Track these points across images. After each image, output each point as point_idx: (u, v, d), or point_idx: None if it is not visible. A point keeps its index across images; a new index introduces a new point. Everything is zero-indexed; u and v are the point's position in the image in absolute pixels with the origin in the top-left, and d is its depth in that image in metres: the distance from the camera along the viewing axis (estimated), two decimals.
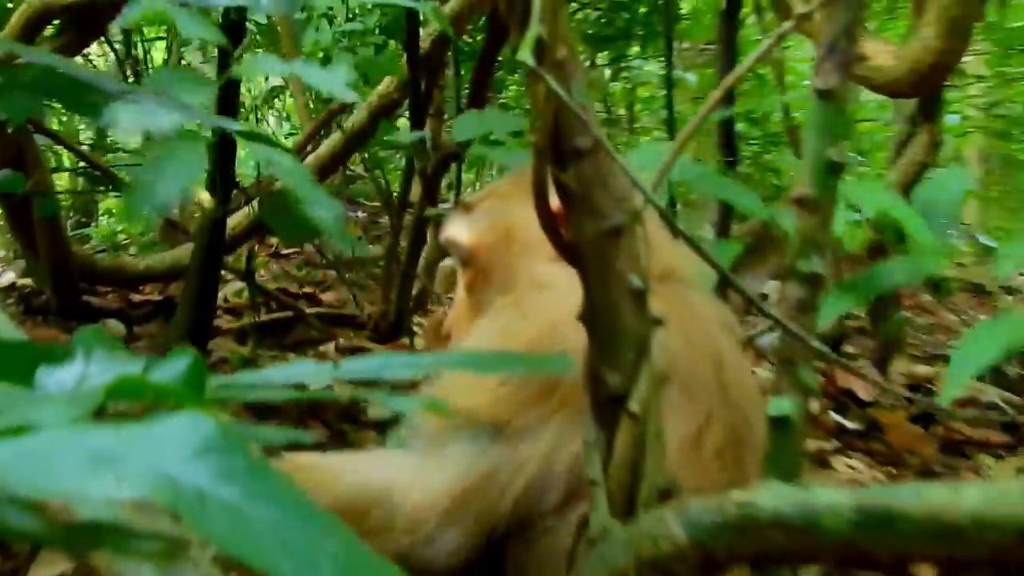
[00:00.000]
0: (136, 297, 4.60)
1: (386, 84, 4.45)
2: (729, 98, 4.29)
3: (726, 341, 1.54)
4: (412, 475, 1.47)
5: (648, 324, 1.14)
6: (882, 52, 3.63)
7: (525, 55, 1.03)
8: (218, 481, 0.63)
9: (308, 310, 4.39)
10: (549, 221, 1.15)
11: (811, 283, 1.20)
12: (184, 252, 4.52)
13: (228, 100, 2.82)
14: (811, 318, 1.21)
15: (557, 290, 1.57)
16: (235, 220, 4.40)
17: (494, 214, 1.82)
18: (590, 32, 6.41)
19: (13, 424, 0.66)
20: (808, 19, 1.25)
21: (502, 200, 1.83)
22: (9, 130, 3.46)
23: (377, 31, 4.72)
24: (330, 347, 4.16)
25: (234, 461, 0.65)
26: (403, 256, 4.11)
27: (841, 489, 1.03)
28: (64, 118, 5.76)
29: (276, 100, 8.12)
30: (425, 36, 4.06)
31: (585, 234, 1.14)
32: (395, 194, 4.61)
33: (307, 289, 5.11)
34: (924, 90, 3.66)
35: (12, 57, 1.69)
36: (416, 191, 4.14)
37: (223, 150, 2.94)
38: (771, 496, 1.04)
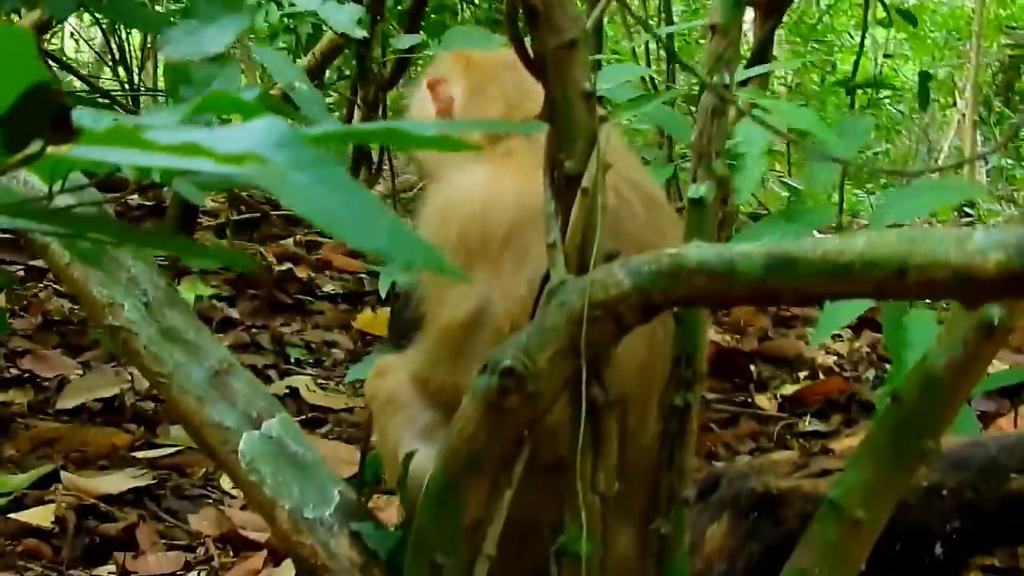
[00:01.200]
0: (133, 201, 4.93)
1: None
2: None
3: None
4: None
5: (596, 120, 1.36)
6: None
7: None
8: (295, 166, 0.81)
9: (272, 212, 4.93)
10: (519, 46, 1.36)
11: (721, 98, 1.43)
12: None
13: None
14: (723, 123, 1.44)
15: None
16: None
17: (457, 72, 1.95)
18: None
19: (128, 125, 0.84)
20: None
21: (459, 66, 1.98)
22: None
23: None
24: (289, 242, 4.82)
25: (306, 153, 0.82)
26: None
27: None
28: None
29: None
30: None
31: (547, 47, 1.34)
32: None
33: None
34: None
35: None
36: None
37: None
38: (696, 250, 1.26)
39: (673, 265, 1.25)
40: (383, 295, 2.70)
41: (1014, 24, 10.87)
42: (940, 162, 9.20)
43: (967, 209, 7.89)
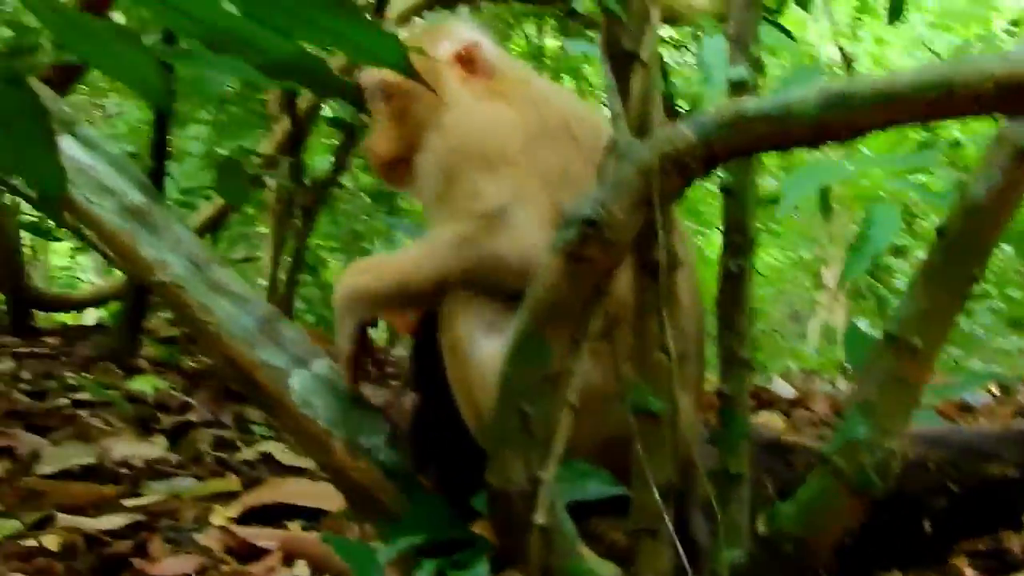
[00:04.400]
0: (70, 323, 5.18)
1: None
2: None
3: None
4: None
5: (647, 3, 1.44)
6: None
7: None
8: None
9: None
10: None
11: None
12: (111, 285, 5.78)
13: None
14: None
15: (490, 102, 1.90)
16: None
17: (482, 39, 2.07)
18: None
19: None
20: None
21: (470, 32, 2.09)
22: None
23: None
24: None
25: None
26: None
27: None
28: None
29: None
30: None
31: None
32: None
33: None
34: None
35: None
36: None
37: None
38: (754, 100, 1.33)
39: (734, 115, 1.32)
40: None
41: None
42: None
43: None
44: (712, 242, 8.85)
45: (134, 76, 1.14)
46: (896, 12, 4.11)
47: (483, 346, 1.69)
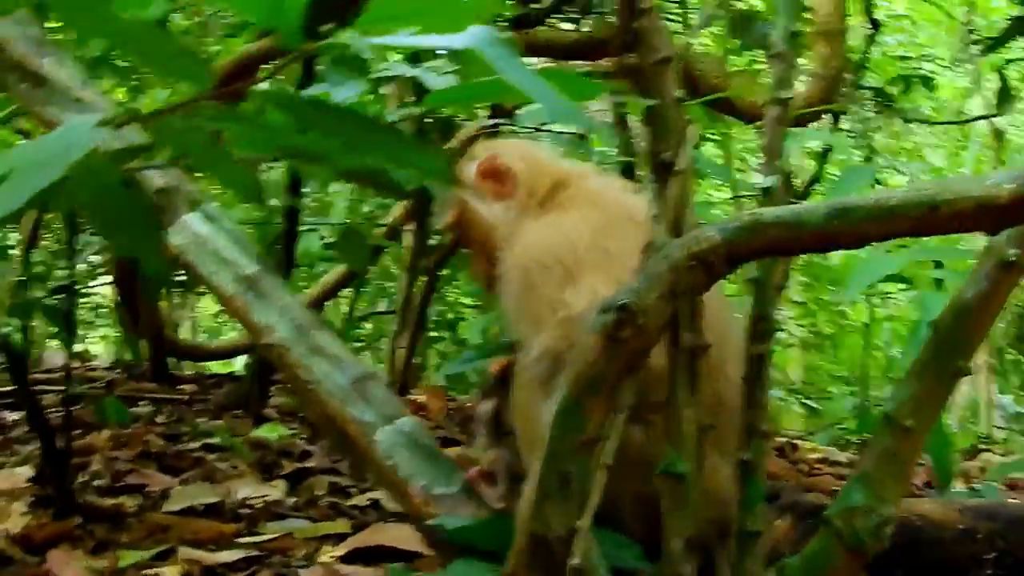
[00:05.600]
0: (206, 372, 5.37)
1: None
2: None
3: None
4: None
5: (684, 120, 1.65)
6: None
7: None
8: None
9: None
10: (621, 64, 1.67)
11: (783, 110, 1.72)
12: (243, 339, 5.84)
13: None
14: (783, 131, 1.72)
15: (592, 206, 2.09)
16: None
17: (508, 148, 2.29)
18: None
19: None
20: None
21: (500, 145, 2.33)
22: None
23: None
24: None
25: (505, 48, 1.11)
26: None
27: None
28: None
29: None
30: None
31: (647, 62, 1.65)
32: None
33: None
34: None
35: None
36: None
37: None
38: (771, 209, 1.53)
39: (753, 221, 1.51)
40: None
41: None
42: None
43: None
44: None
45: (231, 179, 1.38)
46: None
47: (542, 410, 1.89)
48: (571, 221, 2.04)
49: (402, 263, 5.28)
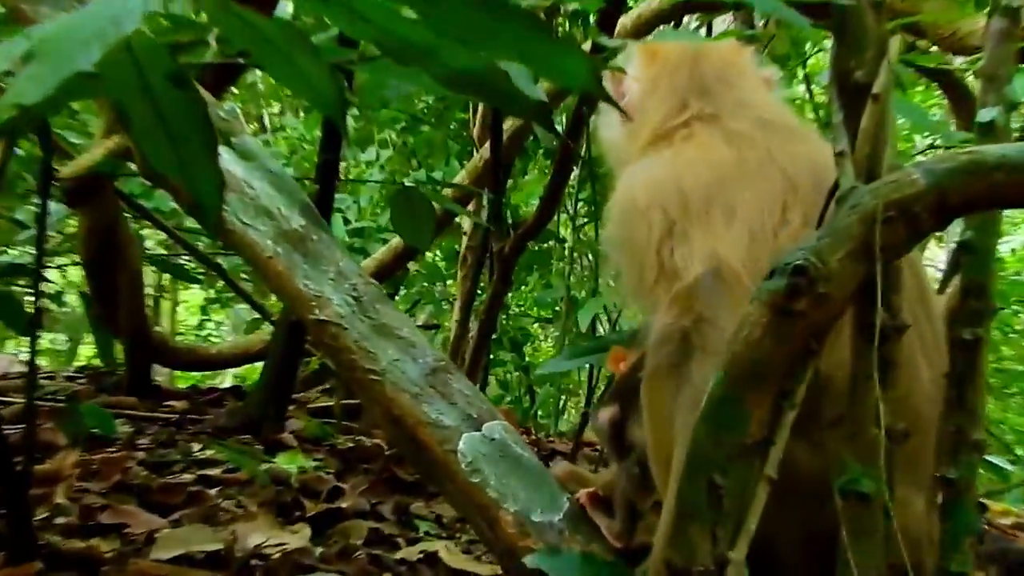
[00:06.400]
0: (203, 386, 5.27)
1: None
2: None
3: None
4: None
5: (885, 29, 1.70)
6: None
7: None
8: None
9: None
10: None
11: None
12: (253, 340, 5.93)
13: None
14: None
15: None
16: None
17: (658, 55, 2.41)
18: None
19: None
20: None
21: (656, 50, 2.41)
22: None
23: None
24: None
25: None
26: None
27: None
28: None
29: None
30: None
31: None
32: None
33: None
34: None
35: None
36: None
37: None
38: (996, 147, 1.57)
39: (971, 162, 1.56)
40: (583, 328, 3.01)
41: None
42: None
43: None
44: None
45: (304, 82, 1.42)
46: None
47: (673, 408, 1.95)
48: (688, 158, 2.11)
49: (466, 246, 5.27)
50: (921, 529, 1.83)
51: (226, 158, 2.31)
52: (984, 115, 1.75)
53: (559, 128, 5.03)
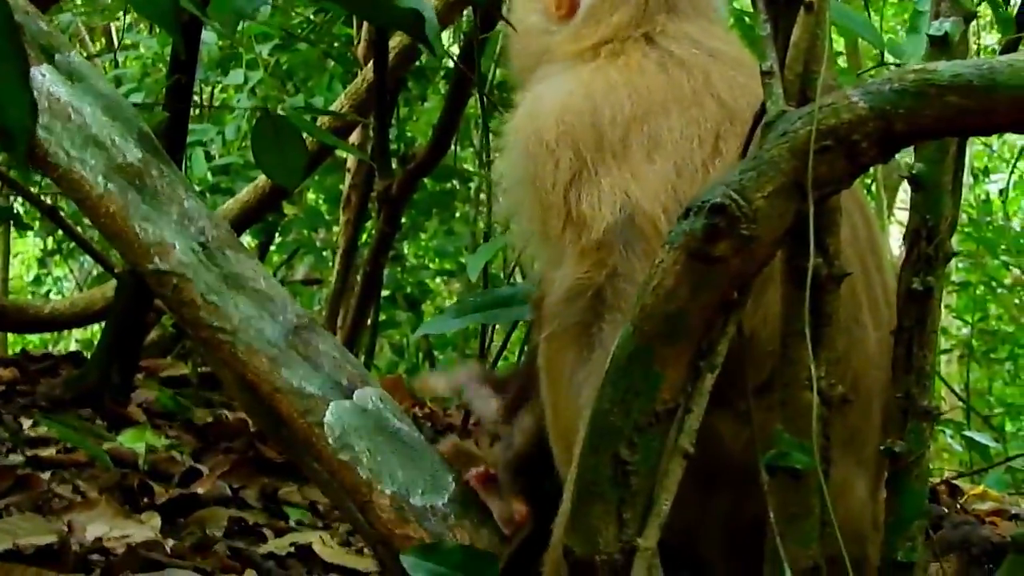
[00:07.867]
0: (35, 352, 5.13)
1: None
2: None
3: None
4: None
5: None
6: None
7: None
8: None
9: None
10: None
11: None
12: (96, 297, 5.75)
13: None
14: None
15: None
16: None
17: None
18: None
19: None
20: None
21: None
22: None
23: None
24: None
25: None
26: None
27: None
28: None
29: None
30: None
31: None
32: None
33: None
34: None
35: None
36: None
37: None
38: (948, 64, 1.56)
39: (920, 81, 1.55)
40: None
41: None
42: None
43: None
44: None
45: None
46: None
47: (579, 376, 1.94)
48: (608, 82, 2.07)
49: (350, 185, 5.22)
50: (864, 515, 1.84)
51: (47, 78, 2.24)
52: (936, 27, 1.74)
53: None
